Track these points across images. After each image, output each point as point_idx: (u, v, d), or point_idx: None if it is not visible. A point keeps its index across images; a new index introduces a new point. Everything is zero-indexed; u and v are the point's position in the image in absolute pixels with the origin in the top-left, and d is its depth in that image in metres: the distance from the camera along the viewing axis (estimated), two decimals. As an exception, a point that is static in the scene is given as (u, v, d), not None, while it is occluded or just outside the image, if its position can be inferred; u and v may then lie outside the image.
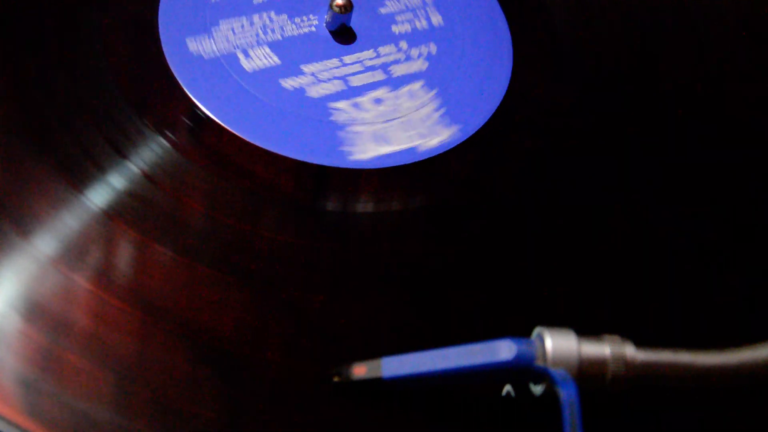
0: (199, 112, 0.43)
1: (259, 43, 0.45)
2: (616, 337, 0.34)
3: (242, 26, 0.46)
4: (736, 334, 0.37)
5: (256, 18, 0.46)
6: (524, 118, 0.46)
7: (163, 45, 0.44)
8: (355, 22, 0.47)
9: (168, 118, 0.42)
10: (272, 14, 0.47)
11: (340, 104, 0.44)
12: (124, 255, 0.38)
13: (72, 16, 0.45)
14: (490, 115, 0.45)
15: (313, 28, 0.47)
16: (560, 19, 0.50)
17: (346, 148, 0.42)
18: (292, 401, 0.35)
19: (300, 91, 0.44)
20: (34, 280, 0.36)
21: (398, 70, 0.45)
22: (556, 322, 0.34)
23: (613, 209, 0.43)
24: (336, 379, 0.35)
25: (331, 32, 0.47)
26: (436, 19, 0.48)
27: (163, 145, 0.41)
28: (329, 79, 0.45)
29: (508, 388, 0.35)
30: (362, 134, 0.43)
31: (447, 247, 0.41)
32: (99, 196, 0.39)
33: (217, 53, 0.45)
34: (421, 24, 0.48)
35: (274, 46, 0.45)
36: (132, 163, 0.40)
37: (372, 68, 0.45)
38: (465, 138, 0.44)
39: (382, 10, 0.48)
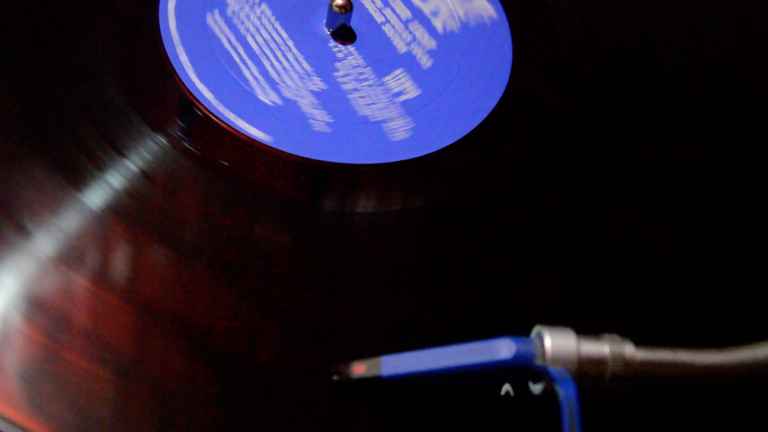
0: (197, 111, 0.43)
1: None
2: (616, 336, 0.34)
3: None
4: (736, 334, 0.37)
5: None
6: (523, 116, 0.46)
7: (163, 43, 0.44)
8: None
9: (166, 117, 0.42)
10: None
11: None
12: (123, 254, 0.38)
13: (72, 16, 0.45)
14: (489, 113, 0.45)
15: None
16: (560, 16, 0.50)
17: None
18: (291, 400, 0.35)
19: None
20: (33, 279, 0.36)
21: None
22: (555, 320, 0.34)
23: (612, 208, 0.43)
24: (335, 377, 0.35)
25: (330, 32, 0.47)
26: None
27: (161, 143, 0.41)
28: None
29: (507, 387, 0.35)
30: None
31: (446, 247, 0.41)
32: (98, 195, 0.39)
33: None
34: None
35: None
36: (130, 162, 0.40)
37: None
38: (464, 136, 0.44)
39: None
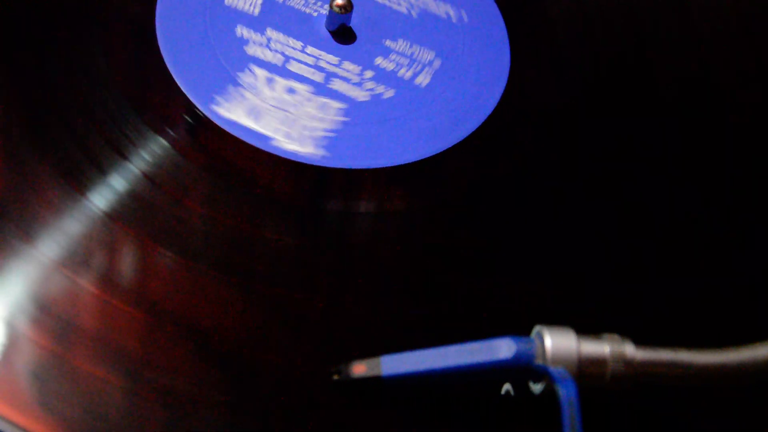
0: (198, 112, 0.43)
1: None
2: (616, 336, 0.34)
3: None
4: (736, 334, 0.37)
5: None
6: (522, 117, 0.46)
7: (160, 45, 0.44)
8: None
9: (168, 118, 0.42)
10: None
11: (259, 71, 0.44)
12: (127, 257, 0.38)
13: (71, 16, 0.45)
14: (488, 115, 0.45)
15: (315, 13, 0.47)
16: (558, 16, 0.50)
17: (219, 97, 0.43)
18: (293, 400, 0.35)
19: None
20: (39, 284, 0.36)
21: (340, 87, 0.45)
22: (555, 320, 0.34)
23: (612, 208, 0.43)
24: (336, 377, 0.35)
25: (330, 32, 0.47)
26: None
27: (163, 146, 0.41)
28: (275, 50, 0.45)
29: (507, 386, 0.35)
30: (245, 101, 0.43)
31: (446, 247, 0.41)
32: (100, 198, 0.39)
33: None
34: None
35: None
36: (133, 165, 0.40)
37: (319, 68, 0.45)
38: (464, 137, 0.44)
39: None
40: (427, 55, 0.47)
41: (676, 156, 0.46)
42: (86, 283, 0.36)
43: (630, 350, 0.34)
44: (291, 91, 0.44)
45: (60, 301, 0.36)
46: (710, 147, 0.46)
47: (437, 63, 0.47)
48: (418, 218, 0.42)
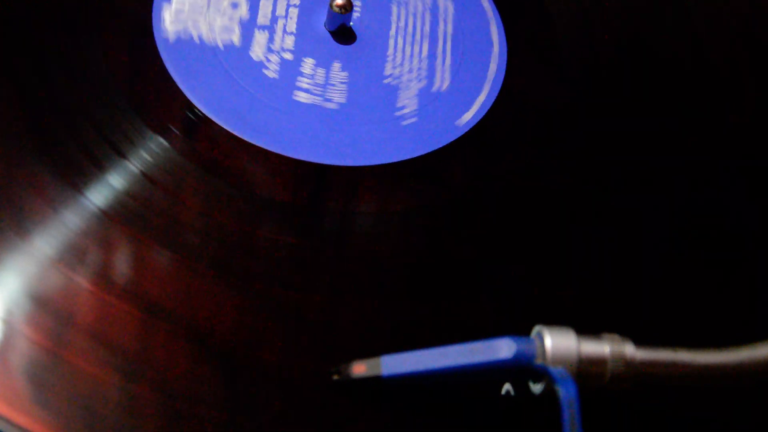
0: (197, 111, 0.43)
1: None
2: (616, 336, 0.34)
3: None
4: (736, 334, 0.37)
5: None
6: (520, 116, 0.46)
7: (158, 46, 0.44)
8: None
9: (167, 118, 0.42)
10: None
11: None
12: (124, 255, 0.38)
13: (71, 16, 0.45)
14: (485, 113, 0.45)
15: None
16: (556, 15, 0.50)
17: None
18: (292, 400, 0.35)
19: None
20: (36, 281, 0.36)
21: (258, 39, 0.44)
22: (555, 320, 0.34)
23: (612, 208, 0.43)
24: (336, 377, 0.35)
25: (330, 32, 0.47)
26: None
27: (162, 145, 0.41)
28: None
29: (507, 386, 0.35)
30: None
31: (446, 247, 0.41)
32: (98, 196, 0.39)
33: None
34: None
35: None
36: (131, 163, 0.40)
37: (273, 20, 0.45)
38: (460, 136, 0.44)
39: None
40: (336, 96, 0.45)
41: (676, 156, 0.46)
42: (84, 281, 0.36)
43: (630, 350, 0.34)
44: (234, 6, 0.45)
45: (58, 298, 0.36)
46: (710, 147, 0.46)
47: (331, 105, 0.44)
48: (417, 218, 0.42)
